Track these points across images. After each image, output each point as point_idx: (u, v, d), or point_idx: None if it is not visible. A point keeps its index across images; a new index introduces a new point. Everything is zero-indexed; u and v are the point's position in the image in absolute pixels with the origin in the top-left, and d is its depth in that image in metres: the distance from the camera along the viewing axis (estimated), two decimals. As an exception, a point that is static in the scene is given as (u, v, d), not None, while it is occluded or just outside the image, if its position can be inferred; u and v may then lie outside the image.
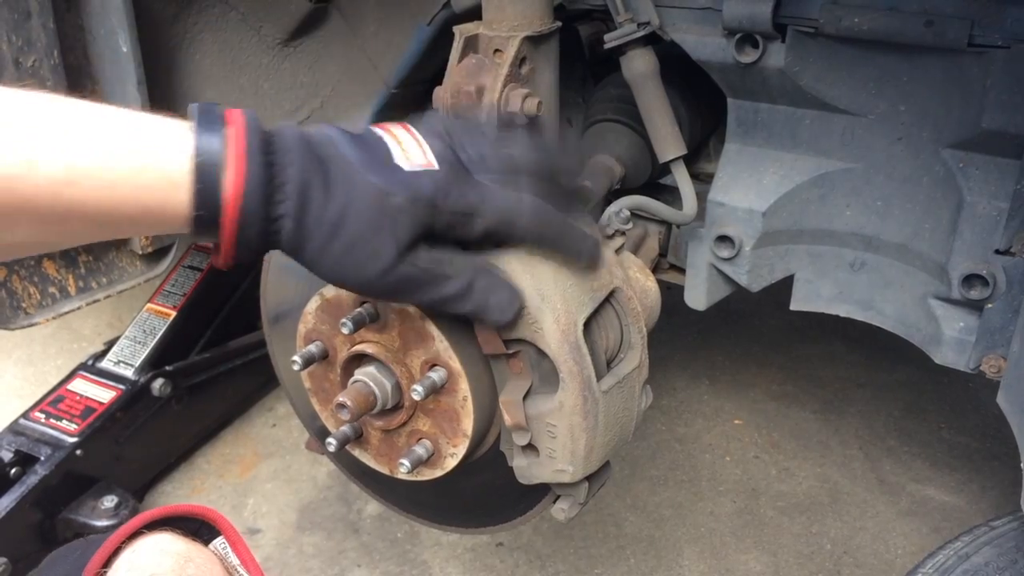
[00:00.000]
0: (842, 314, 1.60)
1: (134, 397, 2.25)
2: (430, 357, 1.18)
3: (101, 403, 2.21)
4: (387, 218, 0.90)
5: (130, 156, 0.82)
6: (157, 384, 2.29)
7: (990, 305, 1.38)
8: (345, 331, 1.17)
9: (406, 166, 0.93)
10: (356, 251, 0.91)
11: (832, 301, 1.60)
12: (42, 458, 2.05)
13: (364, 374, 1.22)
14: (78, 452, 2.09)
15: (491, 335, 1.08)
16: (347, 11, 1.89)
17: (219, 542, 1.11)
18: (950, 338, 1.45)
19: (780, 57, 1.38)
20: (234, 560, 1.10)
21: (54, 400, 2.23)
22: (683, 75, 1.69)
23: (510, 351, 1.10)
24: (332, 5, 1.88)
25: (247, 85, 1.94)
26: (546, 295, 1.06)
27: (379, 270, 0.92)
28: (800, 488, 2.37)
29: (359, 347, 1.23)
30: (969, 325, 1.43)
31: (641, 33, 1.46)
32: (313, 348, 1.26)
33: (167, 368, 2.33)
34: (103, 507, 2.08)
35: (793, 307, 1.63)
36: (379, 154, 0.94)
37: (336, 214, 0.89)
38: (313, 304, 1.26)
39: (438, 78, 1.47)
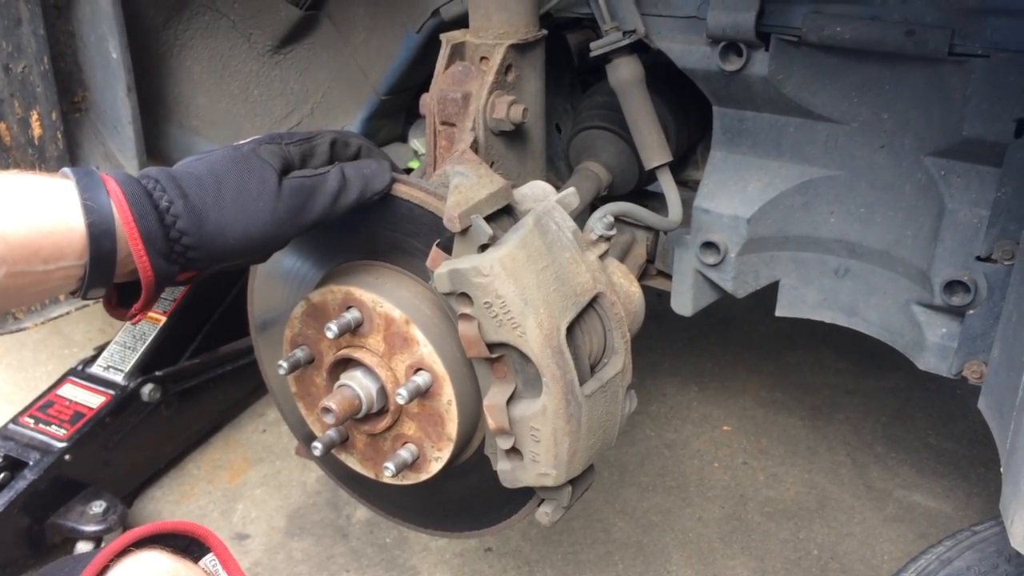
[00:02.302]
0: (826, 320, 1.61)
1: (124, 402, 2.25)
2: (415, 361, 1.19)
3: (91, 408, 2.20)
4: (251, 156, 1.05)
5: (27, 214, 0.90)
6: (147, 389, 2.29)
7: (972, 311, 1.39)
8: (330, 335, 1.18)
9: None
10: (247, 187, 1.03)
11: (817, 307, 1.61)
12: (31, 463, 2.05)
13: (349, 378, 1.23)
14: (67, 457, 2.09)
15: (474, 339, 1.09)
16: (337, 19, 1.90)
17: (209, 559, 1.10)
18: (933, 344, 1.47)
19: (764, 65, 1.39)
20: None
21: (43, 405, 2.23)
22: (670, 83, 1.70)
23: (493, 355, 1.11)
24: (322, 13, 1.89)
25: (237, 92, 1.95)
26: (529, 300, 1.07)
27: (272, 192, 1.04)
28: (788, 494, 2.38)
29: (344, 351, 1.24)
30: (951, 331, 1.45)
31: (627, 41, 1.47)
32: (299, 353, 1.27)
33: (157, 373, 2.33)
34: (91, 512, 2.07)
35: (778, 313, 1.64)
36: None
37: (208, 171, 1.02)
38: (299, 309, 1.27)
39: (427, 85, 1.48)
